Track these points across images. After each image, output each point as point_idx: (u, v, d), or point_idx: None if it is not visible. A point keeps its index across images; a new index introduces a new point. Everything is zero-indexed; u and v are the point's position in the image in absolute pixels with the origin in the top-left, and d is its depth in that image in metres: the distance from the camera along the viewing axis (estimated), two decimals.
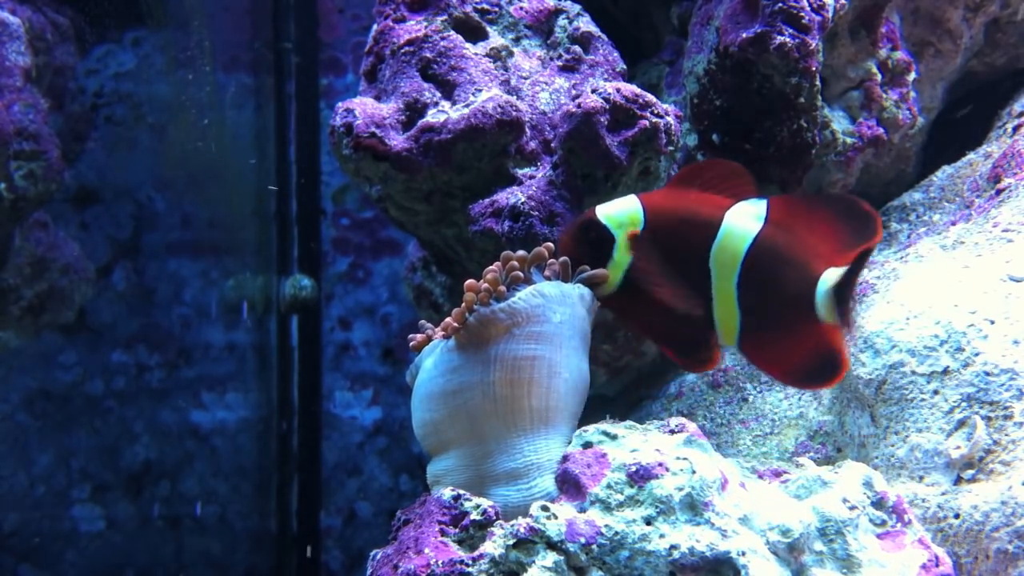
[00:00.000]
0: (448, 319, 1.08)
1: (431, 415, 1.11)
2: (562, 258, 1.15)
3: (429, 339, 1.14)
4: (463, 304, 1.07)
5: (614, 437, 1.05)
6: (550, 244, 1.17)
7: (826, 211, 1.02)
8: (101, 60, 2.44)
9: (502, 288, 1.07)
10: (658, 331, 1.09)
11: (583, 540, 0.96)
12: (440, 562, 0.95)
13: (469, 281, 1.10)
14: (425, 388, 1.11)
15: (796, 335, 1.01)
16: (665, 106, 1.49)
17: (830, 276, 1.01)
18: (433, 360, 1.11)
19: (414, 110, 1.54)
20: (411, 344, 1.16)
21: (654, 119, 1.45)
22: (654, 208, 1.02)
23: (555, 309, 1.08)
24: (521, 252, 1.14)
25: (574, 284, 1.11)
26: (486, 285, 1.07)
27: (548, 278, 1.11)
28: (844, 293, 1.00)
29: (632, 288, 1.04)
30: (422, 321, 1.20)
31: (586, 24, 1.68)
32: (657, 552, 0.94)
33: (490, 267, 1.11)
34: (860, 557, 0.99)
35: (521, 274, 1.10)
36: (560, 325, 1.07)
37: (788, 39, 1.51)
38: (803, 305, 1.01)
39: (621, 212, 1.04)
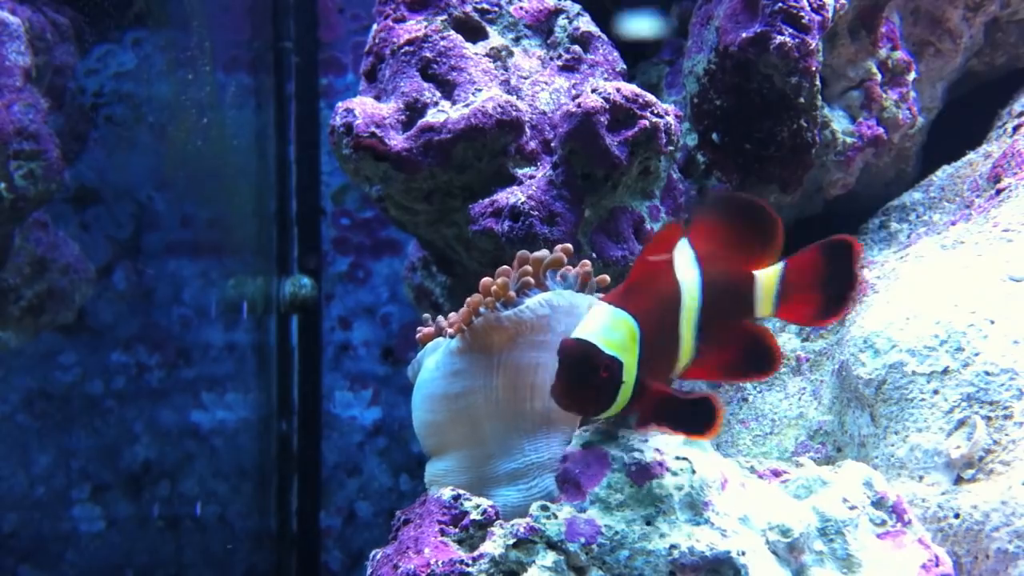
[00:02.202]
0: (455, 316, 1.08)
1: (432, 416, 1.11)
2: (583, 268, 1.14)
3: (439, 332, 1.13)
4: (469, 305, 1.07)
5: (614, 437, 1.05)
6: (568, 247, 1.16)
7: (734, 221, 1.06)
8: (101, 60, 2.44)
9: (511, 294, 1.06)
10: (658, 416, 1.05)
11: (583, 540, 0.96)
12: (440, 562, 0.95)
13: (484, 280, 1.09)
14: (427, 389, 1.11)
15: (731, 341, 1.04)
16: (665, 106, 1.49)
17: (762, 278, 1.06)
18: (435, 361, 1.10)
19: (414, 110, 1.54)
20: (418, 335, 1.14)
21: (654, 119, 1.45)
22: (640, 312, 0.98)
23: (561, 320, 1.07)
24: (538, 254, 1.13)
25: (586, 295, 1.10)
26: (495, 289, 1.06)
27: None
28: (784, 285, 1.05)
29: (643, 390, 1.00)
30: (426, 315, 1.18)
31: (586, 24, 1.68)
32: (657, 552, 0.94)
33: (503, 268, 1.10)
34: (860, 557, 0.99)
35: (532, 280, 1.09)
36: (565, 335, 1.06)
37: (788, 39, 1.51)
38: (740, 313, 1.05)
39: (621, 337, 0.96)
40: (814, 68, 1.55)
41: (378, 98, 1.60)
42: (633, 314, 0.96)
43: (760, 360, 1.03)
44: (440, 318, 1.15)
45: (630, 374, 0.95)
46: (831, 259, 1.05)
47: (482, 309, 1.06)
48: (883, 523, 1.03)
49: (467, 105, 1.50)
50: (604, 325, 0.95)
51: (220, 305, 2.52)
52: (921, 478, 1.18)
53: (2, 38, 1.83)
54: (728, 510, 0.98)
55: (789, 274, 1.05)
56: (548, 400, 1.07)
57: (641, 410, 0.99)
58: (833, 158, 1.72)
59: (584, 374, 0.94)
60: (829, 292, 1.05)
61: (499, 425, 1.06)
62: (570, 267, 1.13)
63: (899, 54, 1.74)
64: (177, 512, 2.46)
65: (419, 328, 1.16)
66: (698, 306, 1.01)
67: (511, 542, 0.96)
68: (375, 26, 1.66)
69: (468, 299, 1.08)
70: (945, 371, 1.21)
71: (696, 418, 0.96)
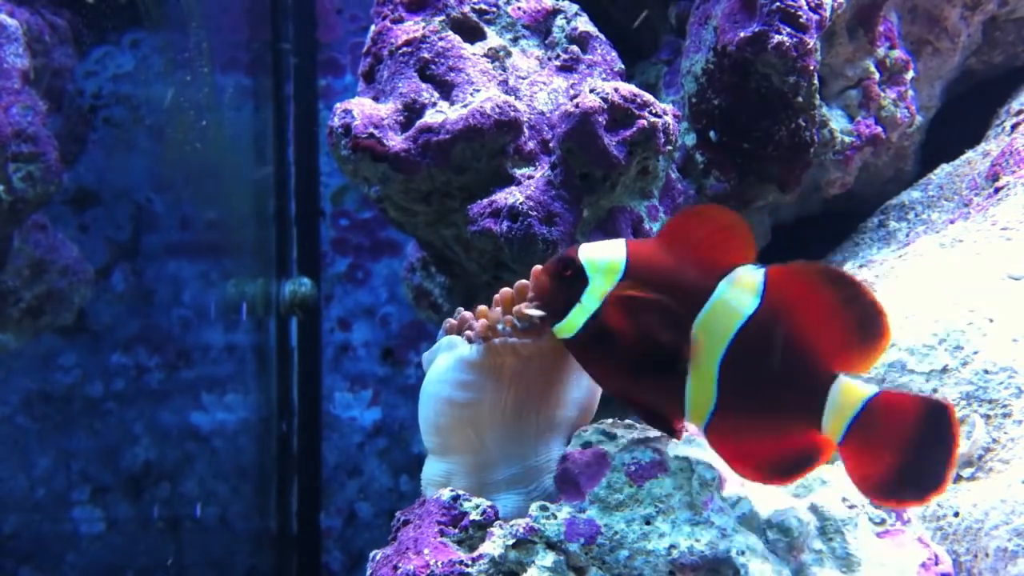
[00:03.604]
0: (482, 322, 1.06)
1: (436, 419, 1.11)
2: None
3: (463, 325, 1.12)
4: (487, 320, 1.05)
5: (613, 437, 1.05)
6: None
7: (830, 294, 0.88)
8: (99, 62, 2.44)
9: (532, 312, 1.05)
10: (617, 387, 0.99)
11: (583, 540, 0.96)
12: (439, 562, 0.95)
13: (504, 292, 1.07)
14: (434, 389, 1.10)
15: (782, 435, 0.90)
16: (663, 105, 1.49)
17: (844, 389, 0.88)
18: (447, 364, 1.08)
19: (412, 111, 1.54)
20: (445, 326, 1.13)
21: (652, 119, 1.45)
22: (639, 260, 0.91)
23: None
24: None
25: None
26: (517, 311, 1.03)
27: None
28: (868, 421, 0.87)
29: (592, 338, 0.94)
30: (460, 309, 1.16)
31: (584, 24, 1.68)
32: (656, 551, 0.94)
33: (520, 284, 1.07)
34: (860, 556, 0.99)
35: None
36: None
37: (786, 38, 1.51)
38: (801, 408, 0.89)
39: (603, 258, 0.92)
40: (812, 67, 1.55)
41: (376, 99, 1.60)
42: (631, 253, 0.91)
43: (795, 465, 0.90)
44: (465, 313, 1.13)
45: (591, 298, 0.91)
46: (929, 421, 0.88)
47: (500, 326, 1.05)
48: (882, 522, 1.03)
49: (465, 106, 1.50)
50: (601, 246, 0.94)
51: (220, 306, 2.52)
52: None
53: (0, 40, 1.83)
54: (728, 509, 0.98)
55: (879, 404, 0.88)
56: (554, 415, 1.07)
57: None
58: (831, 157, 1.72)
59: (550, 266, 0.96)
60: (911, 459, 0.88)
61: (502, 436, 1.06)
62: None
63: (897, 53, 1.75)
64: (177, 513, 2.46)
65: (448, 320, 1.14)
66: (730, 337, 0.88)
67: (510, 542, 0.96)
68: (373, 27, 1.66)
69: (488, 313, 1.06)
70: (944, 369, 1.21)
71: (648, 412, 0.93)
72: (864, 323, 0.88)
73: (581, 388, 1.10)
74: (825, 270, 0.91)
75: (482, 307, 1.09)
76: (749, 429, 0.91)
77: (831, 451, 0.91)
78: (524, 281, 1.06)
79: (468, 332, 1.07)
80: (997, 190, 1.57)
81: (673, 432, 0.98)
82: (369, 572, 1.02)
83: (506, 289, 1.09)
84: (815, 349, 0.89)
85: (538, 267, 0.99)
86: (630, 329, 0.91)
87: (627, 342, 0.91)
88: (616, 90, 1.44)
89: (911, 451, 0.88)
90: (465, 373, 1.06)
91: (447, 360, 1.08)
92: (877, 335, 0.88)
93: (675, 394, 0.93)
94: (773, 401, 0.91)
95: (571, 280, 0.93)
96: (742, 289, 0.89)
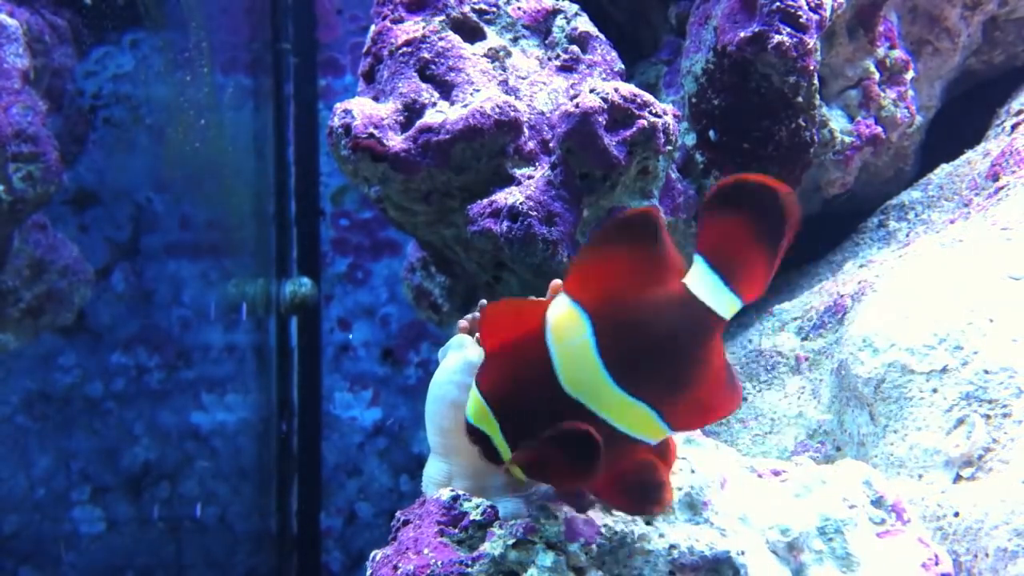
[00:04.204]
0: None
1: (441, 420, 1.10)
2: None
3: (475, 326, 1.12)
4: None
5: None
6: None
7: (614, 255, 0.86)
8: (99, 62, 2.44)
9: None
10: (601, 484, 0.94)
11: (582, 540, 0.96)
12: (439, 563, 0.95)
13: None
14: (440, 391, 1.10)
15: (701, 371, 0.87)
16: (663, 105, 1.49)
17: (692, 278, 0.86)
18: (455, 366, 1.08)
19: (412, 111, 1.54)
20: (461, 324, 1.13)
21: (652, 118, 1.45)
22: (490, 388, 0.89)
23: None
24: None
25: None
26: None
27: None
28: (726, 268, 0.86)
29: (538, 465, 0.91)
30: (482, 301, 1.16)
31: (584, 24, 1.68)
32: (656, 551, 0.94)
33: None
34: (860, 556, 0.99)
35: None
36: None
37: (786, 38, 1.51)
38: (685, 335, 0.86)
39: (474, 408, 0.91)
40: (812, 67, 1.55)
41: (376, 99, 1.60)
42: (478, 383, 0.90)
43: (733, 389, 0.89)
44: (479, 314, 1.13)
45: (501, 444, 0.91)
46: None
47: None
48: (883, 522, 1.03)
49: (465, 106, 1.50)
50: (471, 398, 0.92)
51: (220, 306, 2.52)
52: (920, 477, 1.18)
53: (0, 40, 1.83)
54: (727, 509, 0.98)
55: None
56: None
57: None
58: (831, 157, 1.72)
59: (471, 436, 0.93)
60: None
61: None
62: None
63: (897, 53, 1.75)
64: (177, 513, 2.46)
65: (464, 318, 1.13)
66: (599, 366, 0.85)
67: (511, 542, 0.96)
68: (373, 27, 1.66)
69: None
70: (944, 369, 1.21)
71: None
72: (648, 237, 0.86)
73: None
74: (599, 236, 0.88)
75: None
76: (690, 394, 0.89)
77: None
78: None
79: (479, 334, 1.07)
80: (997, 190, 1.57)
81: (666, 496, 0.94)
82: (369, 572, 1.02)
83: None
84: (657, 285, 0.87)
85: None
86: (547, 460, 0.90)
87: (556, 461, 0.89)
88: (616, 90, 1.44)
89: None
90: (472, 376, 1.06)
91: (455, 361, 1.08)
92: (658, 246, 0.85)
93: (618, 444, 0.89)
94: (682, 359, 0.89)
95: (482, 439, 0.92)
96: (564, 319, 0.86)
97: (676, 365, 0.86)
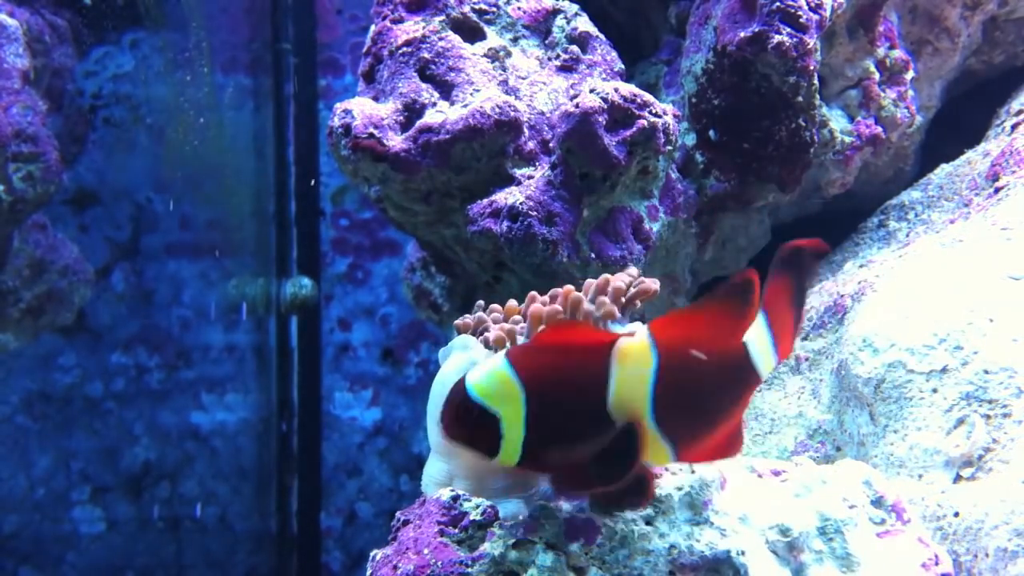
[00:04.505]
0: (498, 334, 1.06)
1: None
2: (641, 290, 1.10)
3: (479, 325, 1.11)
4: (502, 331, 1.05)
5: None
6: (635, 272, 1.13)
7: (707, 308, 0.92)
8: (99, 62, 2.44)
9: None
10: (581, 482, 0.96)
11: (582, 540, 0.96)
12: (439, 563, 0.95)
13: (510, 305, 1.08)
14: (444, 391, 1.10)
15: (725, 419, 0.93)
16: (663, 105, 1.49)
17: (752, 336, 0.92)
18: (459, 367, 1.08)
19: (412, 111, 1.54)
20: (459, 324, 1.13)
21: (652, 118, 1.45)
22: (529, 372, 0.89)
23: None
24: (617, 283, 1.07)
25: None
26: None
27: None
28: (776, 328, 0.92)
29: (536, 457, 0.92)
30: (480, 303, 1.16)
31: (584, 24, 1.68)
32: (656, 551, 0.94)
33: (555, 299, 1.06)
34: (860, 556, 0.99)
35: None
36: None
37: (786, 38, 1.51)
38: (729, 388, 0.92)
39: (496, 387, 0.89)
40: (812, 67, 1.55)
41: (376, 99, 1.60)
42: (516, 366, 0.88)
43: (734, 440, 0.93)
44: (481, 314, 1.13)
45: (512, 429, 0.88)
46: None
47: (520, 339, 1.04)
48: (883, 522, 1.02)
49: (465, 106, 1.50)
50: (483, 372, 0.89)
51: (220, 306, 2.52)
52: (920, 477, 1.18)
53: (0, 40, 1.83)
54: (727, 509, 0.98)
55: (771, 313, 0.93)
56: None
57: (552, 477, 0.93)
58: (831, 157, 1.72)
59: (453, 417, 0.90)
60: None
61: None
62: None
63: (897, 53, 1.75)
64: (177, 513, 2.46)
65: (464, 317, 1.14)
66: (649, 398, 0.89)
67: (511, 542, 0.96)
68: (373, 27, 1.66)
69: (504, 327, 1.06)
70: (944, 369, 1.21)
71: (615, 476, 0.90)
72: (741, 293, 0.91)
73: None
74: (700, 300, 0.95)
75: (509, 305, 1.09)
76: (704, 437, 0.93)
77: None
78: (567, 290, 1.06)
79: (487, 334, 1.07)
80: (997, 190, 1.57)
81: (650, 492, 0.97)
82: (369, 572, 1.02)
83: (512, 303, 1.09)
84: (718, 340, 0.92)
85: (446, 421, 0.93)
86: (560, 447, 0.92)
87: (565, 454, 0.92)
88: (616, 90, 1.44)
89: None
90: None
91: (460, 361, 1.08)
92: (751, 294, 0.91)
93: (626, 458, 0.92)
94: (712, 409, 0.93)
95: (481, 420, 0.89)
96: (634, 351, 0.89)
97: (712, 414, 0.92)
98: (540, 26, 1.69)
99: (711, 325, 0.91)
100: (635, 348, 0.89)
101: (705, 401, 0.92)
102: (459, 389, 0.90)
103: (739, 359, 0.91)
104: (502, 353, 0.91)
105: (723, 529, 0.96)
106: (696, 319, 0.92)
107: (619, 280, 1.09)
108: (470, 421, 0.90)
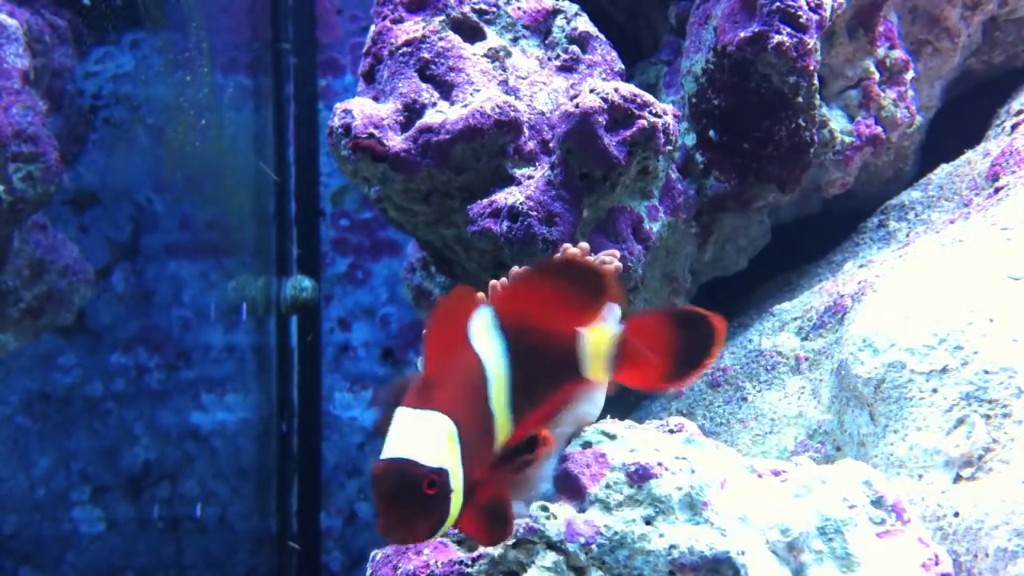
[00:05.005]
0: None
1: None
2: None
3: None
4: None
5: (613, 437, 1.05)
6: (585, 246, 1.14)
7: (552, 283, 0.94)
8: (99, 62, 2.44)
9: None
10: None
11: (582, 540, 0.96)
12: (439, 562, 0.95)
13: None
14: None
15: (558, 393, 0.95)
16: (663, 105, 1.49)
17: (588, 334, 0.94)
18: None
19: (412, 111, 1.54)
20: None
21: (652, 118, 1.45)
22: (454, 408, 0.85)
23: None
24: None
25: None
26: None
27: None
28: (620, 349, 0.94)
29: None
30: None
31: (584, 24, 1.68)
32: (656, 552, 0.94)
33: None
34: (860, 556, 0.99)
35: None
36: None
37: (786, 38, 1.51)
38: (565, 373, 0.95)
39: (434, 440, 0.83)
40: (812, 67, 1.55)
41: (376, 99, 1.60)
42: (443, 410, 0.84)
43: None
44: None
45: (457, 479, 0.83)
46: (687, 331, 0.96)
47: None
48: (883, 522, 1.03)
49: (465, 106, 1.50)
50: (415, 434, 0.82)
51: (220, 306, 2.52)
52: (920, 477, 1.18)
53: (0, 40, 1.83)
54: (727, 510, 0.98)
55: (631, 335, 0.95)
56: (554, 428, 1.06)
57: (475, 513, 0.87)
58: (831, 157, 1.72)
59: (407, 499, 0.80)
60: (678, 359, 0.96)
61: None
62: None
63: (897, 53, 1.75)
64: (177, 514, 2.46)
65: None
66: (507, 378, 0.89)
67: (511, 542, 0.96)
68: (373, 27, 1.66)
69: None
70: (944, 370, 1.21)
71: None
72: (582, 282, 0.94)
73: (580, 408, 1.09)
74: (541, 268, 0.99)
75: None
76: (531, 420, 0.94)
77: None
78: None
79: None
80: (997, 190, 1.57)
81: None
82: (369, 572, 1.02)
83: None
84: (557, 331, 0.94)
85: (400, 508, 0.83)
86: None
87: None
88: (616, 90, 1.44)
89: (677, 352, 0.96)
90: None
91: None
92: (603, 290, 0.93)
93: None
94: (542, 391, 0.95)
95: (438, 486, 0.82)
96: (487, 341, 0.91)
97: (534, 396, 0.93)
98: (540, 26, 1.69)
99: (552, 303, 0.93)
100: (481, 335, 0.90)
101: (546, 374, 0.94)
102: (399, 469, 0.82)
103: (565, 346, 0.94)
104: (401, 408, 0.87)
105: (723, 529, 0.96)
106: (541, 293, 0.93)
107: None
108: (420, 498, 0.82)
